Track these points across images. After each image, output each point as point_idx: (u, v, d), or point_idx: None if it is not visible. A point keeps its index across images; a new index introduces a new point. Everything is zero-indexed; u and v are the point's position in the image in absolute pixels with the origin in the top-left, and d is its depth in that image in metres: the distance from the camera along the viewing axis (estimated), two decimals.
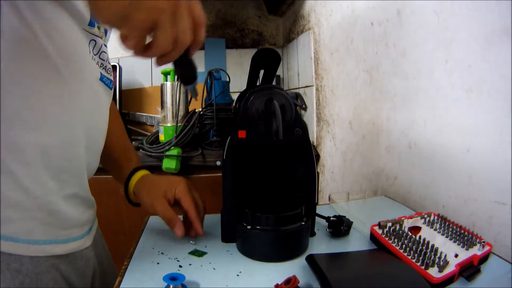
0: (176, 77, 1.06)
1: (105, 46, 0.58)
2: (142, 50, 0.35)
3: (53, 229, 0.50)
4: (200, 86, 1.42)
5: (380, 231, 0.52)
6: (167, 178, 0.62)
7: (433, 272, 0.41)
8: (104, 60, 0.57)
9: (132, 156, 0.71)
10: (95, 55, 0.54)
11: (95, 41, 0.54)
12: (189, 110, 1.35)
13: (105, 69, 0.58)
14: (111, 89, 0.60)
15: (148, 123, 1.75)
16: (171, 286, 0.41)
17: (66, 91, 0.48)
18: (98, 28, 0.55)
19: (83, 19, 0.51)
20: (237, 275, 0.46)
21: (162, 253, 0.52)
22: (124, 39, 0.34)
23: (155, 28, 0.33)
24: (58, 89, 0.47)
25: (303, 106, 1.52)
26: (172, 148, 1.25)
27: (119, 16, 0.32)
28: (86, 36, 0.52)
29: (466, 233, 0.49)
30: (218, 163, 1.28)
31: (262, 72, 0.58)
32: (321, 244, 0.55)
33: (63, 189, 0.50)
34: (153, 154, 1.26)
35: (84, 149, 0.53)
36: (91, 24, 0.53)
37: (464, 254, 0.45)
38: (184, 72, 0.41)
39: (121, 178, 0.67)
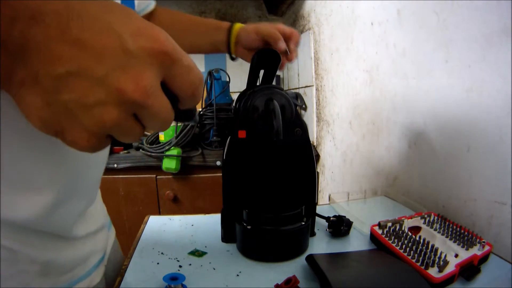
0: None
1: None
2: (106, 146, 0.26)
3: (52, 277, 0.42)
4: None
5: (380, 231, 0.52)
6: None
7: (433, 272, 0.42)
8: None
9: (210, 22, 0.69)
10: None
11: None
12: None
13: None
14: None
15: None
16: (171, 286, 0.41)
17: (49, 147, 0.36)
18: None
19: None
20: (237, 275, 0.46)
21: (162, 253, 0.52)
22: None
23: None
24: (42, 146, 0.35)
25: (303, 106, 1.52)
26: (172, 148, 1.25)
27: (52, 129, 0.23)
28: None
29: (466, 233, 0.49)
30: (218, 163, 1.28)
31: (262, 72, 0.58)
32: (321, 244, 0.55)
33: (58, 240, 0.42)
34: (153, 154, 1.26)
35: (76, 197, 0.42)
36: None
37: (464, 254, 0.45)
38: (178, 118, 0.33)
39: (217, 41, 0.67)
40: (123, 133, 0.24)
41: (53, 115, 0.21)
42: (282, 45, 0.58)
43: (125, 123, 0.23)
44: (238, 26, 0.67)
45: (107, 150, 0.48)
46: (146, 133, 1.48)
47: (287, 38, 0.63)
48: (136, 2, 0.62)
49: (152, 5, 0.70)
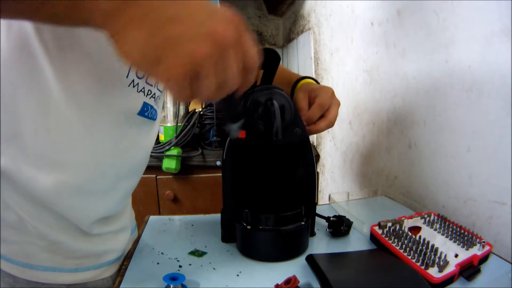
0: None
1: None
2: (187, 97, 0.29)
3: (57, 257, 0.44)
4: None
5: (380, 231, 0.52)
6: (325, 88, 0.58)
7: (433, 272, 0.42)
8: (152, 86, 0.47)
9: (286, 74, 0.66)
10: (139, 78, 0.44)
11: None
12: (189, 110, 1.35)
13: (154, 97, 0.48)
14: (155, 119, 0.51)
15: None
16: (171, 286, 0.41)
17: (77, 130, 0.40)
18: None
19: None
20: (237, 275, 0.46)
21: (162, 253, 0.52)
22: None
23: (195, 76, 0.27)
24: (67, 126, 0.40)
25: None
26: (172, 148, 1.25)
27: (149, 58, 0.26)
28: None
29: (466, 233, 0.49)
30: (218, 163, 1.28)
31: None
32: (321, 244, 0.55)
33: (66, 225, 0.44)
34: (153, 154, 1.26)
35: (100, 194, 0.46)
36: None
37: (464, 254, 0.45)
38: (226, 112, 0.36)
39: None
40: (205, 74, 0.27)
41: (154, 46, 0.26)
42: (303, 117, 0.54)
43: (210, 62, 0.26)
44: (302, 82, 0.63)
45: (143, 160, 0.52)
46: None
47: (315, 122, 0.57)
48: None
49: None
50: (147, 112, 0.47)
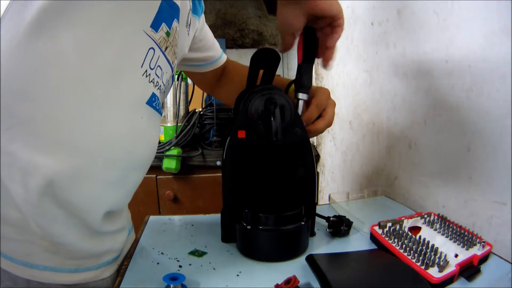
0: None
1: (166, 59, 0.48)
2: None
3: (57, 257, 0.43)
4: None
5: (380, 231, 0.52)
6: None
7: (433, 272, 0.42)
8: (159, 77, 0.48)
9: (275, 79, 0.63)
10: (151, 69, 0.45)
11: (153, 50, 0.44)
12: (189, 110, 1.35)
13: (160, 89, 0.49)
14: (160, 114, 0.52)
15: None
16: (171, 286, 0.41)
17: (92, 114, 0.41)
18: (168, 34, 0.46)
19: (145, 17, 0.42)
20: (237, 275, 0.46)
21: (162, 253, 0.52)
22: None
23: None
24: (83, 110, 0.40)
25: None
26: (172, 148, 1.25)
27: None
28: (144, 42, 0.43)
29: (466, 233, 0.49)
30: (218, 163, 1.28)
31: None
32: (321, 244, 0.55)
33: (73, 222, 0.43)
34: None
35: (110, 183, 0.46)
36: (155, 25, 0.43)
37: (464, 254, 0.45)
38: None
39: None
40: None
41: None
42: (302, 118, 0.54)
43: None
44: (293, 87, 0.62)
45: (148, 156, 0.52)
46: None
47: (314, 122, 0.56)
48: (207, 54, 0.72)
49: (223, 58, 0.76)
50: (154, 103, 0.48)
